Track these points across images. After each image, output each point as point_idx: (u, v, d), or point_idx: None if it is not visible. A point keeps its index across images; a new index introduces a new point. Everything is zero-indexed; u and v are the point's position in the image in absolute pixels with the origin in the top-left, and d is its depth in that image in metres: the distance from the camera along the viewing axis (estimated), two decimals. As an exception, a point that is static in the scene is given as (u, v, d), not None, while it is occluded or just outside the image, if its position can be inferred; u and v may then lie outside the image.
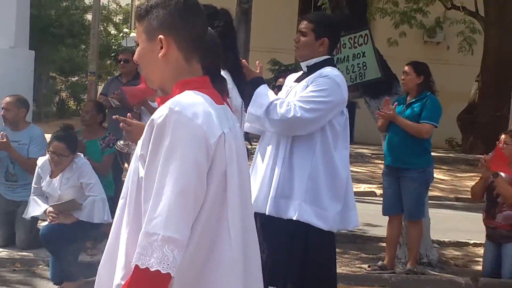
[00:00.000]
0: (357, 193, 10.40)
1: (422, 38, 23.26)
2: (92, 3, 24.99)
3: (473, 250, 9.11)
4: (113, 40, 35.69)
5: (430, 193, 9.72)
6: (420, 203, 7.48)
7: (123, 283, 2.46)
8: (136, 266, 2.37)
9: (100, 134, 8.05)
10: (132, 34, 31.66)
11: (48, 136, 7.20)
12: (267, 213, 4.61)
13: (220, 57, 3.59)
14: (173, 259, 2.35)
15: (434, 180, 9.25)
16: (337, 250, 5.19)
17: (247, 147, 2.80)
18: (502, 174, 7.13)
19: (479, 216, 7.82)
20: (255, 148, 5.00)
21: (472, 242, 9.35)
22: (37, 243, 7.30)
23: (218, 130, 2.48)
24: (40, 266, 7.30)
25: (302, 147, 4.66)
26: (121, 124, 3.79)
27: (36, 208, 6.84)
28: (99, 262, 2.67)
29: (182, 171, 2.38)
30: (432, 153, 7.78)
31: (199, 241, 2.44)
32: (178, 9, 2.57)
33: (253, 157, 4.90)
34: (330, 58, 4.91)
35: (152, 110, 7.38)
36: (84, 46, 32.44)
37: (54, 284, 6.69)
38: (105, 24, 37.69)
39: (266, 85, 4.78)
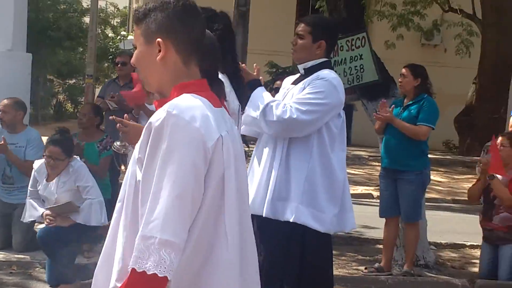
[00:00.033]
0: (354, 195, 10.41)
1: (419, 40, 23.32)
2: (90, 6, 25.00)
3: (470, 252, 9.12)
4: (110, 43, 35.78)
5: (427, 195, 9.74)
6: (417, 205, 7.49)
7: (119, 285, 2.46)
8: (133, 270, 2.36)
9: (98, 137, 8.05)
10: (130, 37, 31.73)
11: (45, 139, 7.21)
12: (264, 215, 4.61)
13: (219, 60, 3.59)
14: (170, 263, 2.34)
15: (431, 182, 9.26)
16: (334, 252, 5.20)
17: (244, 150, 2.81)
18: (499, 176, 7.14)
19: (476, 218, 7.83)
20: (252, 150, 5.00)
21: (469, 244, 9.36)
22: (34, 245, 7.30)
23: (215, 133, 2.48)
24: (37, 268, 7.29)
25: (299, 149, 4.67)
26: (117, 125, 3.80)
27: (34, 212, 6.86)
28: (96, 265, 2.67)
29: (179, 174, 2.38)
30: (429, 155, 7.79)
31: (196, 244, 2.44)
32: (176, 12, 2.56)
33: (250, 159, 4.91)
34: (327, 60, 4.91)
35: (149, 113, 7.39)
36: (81, 49, 32.51)
37: (50, 286, 6.66)
38: (102, 27, 37.72)
39: (263, 87, 4.79)
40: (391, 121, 7.32)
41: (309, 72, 4.80)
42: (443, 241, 9.43)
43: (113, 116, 4.11)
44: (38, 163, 6.92)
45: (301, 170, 4.63)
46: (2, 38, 8.68)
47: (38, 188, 6.88)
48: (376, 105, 7.92)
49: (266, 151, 4.76)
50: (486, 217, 7.35)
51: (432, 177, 8.56)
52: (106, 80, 21.73)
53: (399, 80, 7.56)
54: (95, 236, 6.91)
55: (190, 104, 2.48)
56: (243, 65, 4.79)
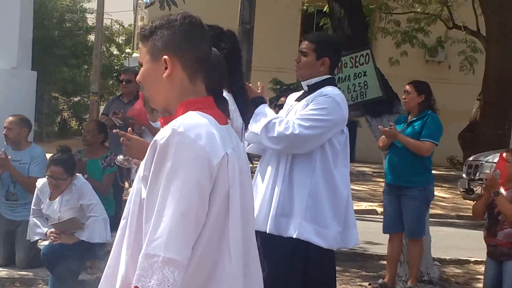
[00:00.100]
0: (358, 211, 10.43)
1: (423, 57, 23.38)
2: (95, 24, 25.12)
3: (474, 268, 9.10)
4: (115, 61, 35.87)
5: (432, 211, 9.74)
6: (420, 221, 7.50)
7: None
8: (136, 288, 2.37)
9: (102, 154, 8.08)
10: (135, 55, 31.81)
11: (49, 156, 7.24)
12: (267, 232, 4.62)
13: (224, 77, 3.60)
14: (174, 281, 2.34)
15: (436, 198, 9.26)
16: (337, 268, 5.20)
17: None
18: (503, 192, 7.13)
19: (480, 234, 7.80)
20: (256, 166, 5.02)
21: (473, 259, 9.35)
22: (37, 262, 7.30)
23: (221, 151, 2.48)
24: (40, 285, 7.28)
25: (302, 165, 4.67)
26: (121, 138, 3.82)
27: (38, 231, 6.89)
28: (99, 281, 2.67)
29: (184, 192, 2.38)
30: (434, 171, 7.80)
31: (200, 261, 2.44)
32: (183, 29, 2.57)
33: (254, 175, 4.92)
34: (331, 77, 4.93)
35: (153, 130, 7.42)
36: (86, 67, 32.61)
37: (54, 303, 6.69)
38: (107, 44, 37.86)
39: (266, 104, 4.81)
40: (395, 136, 7.34)
41: (312, 89, 4.82)
42: (447, 257, 9.42)
43: (117, 130, 4.12)
44: (41, 182, 6.94)
45: (304, 186, 4.64)
46: (7, 56, 8.73)
47: (41, 207, 6.90)
48: (380, 121, 7.94)
49: (269, 167, 4.77)
50: (490, 233, 7.34)
51: (436, 193, 8.56)
52: (110, 97, 21.80)
53: (403, 96, 7.58)
54: (99, 253, 6.92)
55: (195, 122, 2.48)
56: (248, 83, 4.81)
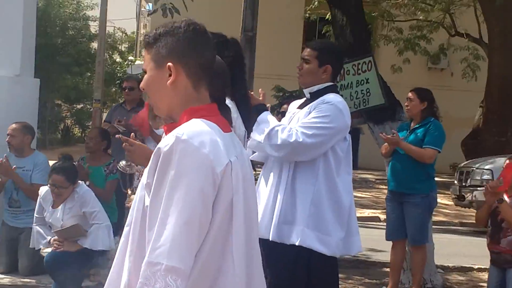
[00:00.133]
0: (361, 218, 10.42)
1: (426, 64, 23.38)
2: (98, 31, 25.17)
3: (478, 275, 9.09)
4: (118, 68, 35.94)
5: (435, 218, 9.74)
6: (423, 228, 7.49)
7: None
8: (138, 296, 2.36)
9: (105, 161, 8.09)
10: (137, 62, 31.87)
11: (52, 163, 7.25)
12: (270, 239, 4.62)
13: (228, 85, 3.60)
14: None
15: (439, 205, 9.26)
16: (340, 275, 5.20)
17: (252, 174, 2.82)
18: (507, 199, 7.13)
19: (483, 241, 7.79)
20: (259, 174, 5.02)
21: (476, 267, 9.34)
22: (40, 269, 7.30)
23: (225, 159, 2.47)
24: (43, 292, 7.31)
25: (305, 172, 4.68)
26: (123, 144, 3.81)
27: (42, 240, 6.90)
28: (102, 288, 2.67)
29: (187, 200, 2.37)
30: (437, 178, 7.79)
31: (203, 269, 2.43)
32: (187, 37, 2.56)
33: (256, 183, 4.92)
34: (333, 84, 4.93)
35: (156, 138, 7.43)
36: (89, 74, 32.68)
37: (57, 310, 6.69)
38: (110, 52, 37.91)
39: (268, 111, 4.81)
40: (398, 143, 7.34)
41: (315, 96, 4.82)
42: (450, 264, 9.41)
43: (120, 135, 4.12)
44: (43, 190, 6.95)
45: (307, 194, 4.64)
46: (10, 63, 8.73)
47: (44, 215, 6.91)
48: (383, 128, 7.95)
49: (272, 174, 4.77)
50: (493, 240, 7.33)
51: (439, 200, 8.56)
52: (113, 104, 21.85)
53: (406, 104, 7.58)
54: (102, 260, 6.92)
55: (199, 130, 2.47)
56: (250, 90, 4.82)
